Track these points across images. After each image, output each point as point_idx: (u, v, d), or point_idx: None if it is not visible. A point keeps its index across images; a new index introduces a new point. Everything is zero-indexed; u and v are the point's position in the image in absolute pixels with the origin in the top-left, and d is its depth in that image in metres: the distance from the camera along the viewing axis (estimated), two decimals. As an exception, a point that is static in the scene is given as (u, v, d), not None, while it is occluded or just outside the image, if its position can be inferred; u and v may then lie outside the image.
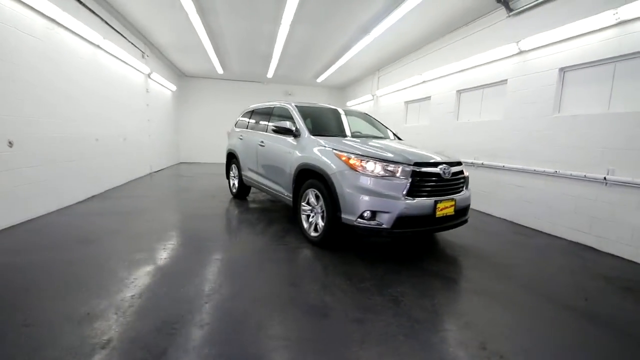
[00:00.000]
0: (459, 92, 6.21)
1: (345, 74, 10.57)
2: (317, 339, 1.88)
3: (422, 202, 2.95)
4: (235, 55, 8.77)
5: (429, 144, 6.66)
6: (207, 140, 12.58)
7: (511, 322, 2.20)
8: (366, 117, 4.90)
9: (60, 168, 4.45)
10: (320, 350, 1.78)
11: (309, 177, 3.54)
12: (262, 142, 4.63)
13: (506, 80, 5.06)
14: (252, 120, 5.41)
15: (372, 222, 2.91)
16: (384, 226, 2.89)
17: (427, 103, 7.31)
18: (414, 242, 3.71)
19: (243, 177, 5.38)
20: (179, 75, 11.65)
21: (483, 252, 3.53)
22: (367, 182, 2.92)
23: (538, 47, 4.47)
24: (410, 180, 2.91)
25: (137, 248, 3.15)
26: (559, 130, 4.21)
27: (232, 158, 5.93)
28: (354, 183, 2.94)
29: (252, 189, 5.97)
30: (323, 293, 2.43)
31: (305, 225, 3.58)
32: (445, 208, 3.09)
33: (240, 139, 5.49)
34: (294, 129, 3.90)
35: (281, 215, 4.69)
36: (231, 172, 6.00)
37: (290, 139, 3.99)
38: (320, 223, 3.33)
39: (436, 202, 3.02)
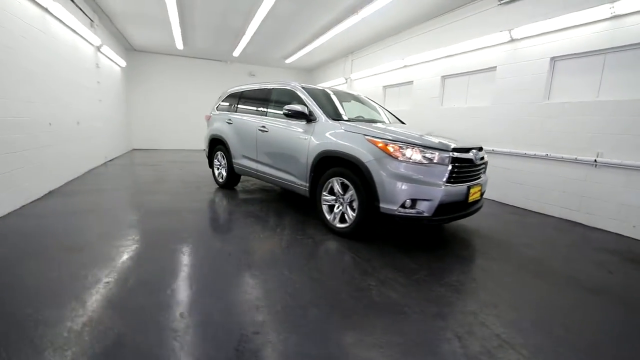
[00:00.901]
0: (444, 77, 6.34)
1: (316, 56, 10.21)
2: (413, 342, 1.75)
3: (459, 188, 2.95)
4: (202, 29, 7.89)
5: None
6: (165, 124, 11.42)
7: (574, 298, 2.30)
8: (364, 100, 4.72)
9: (18, 159, 3.60)
10: (427, 352, 1.66)
11: (332, 165, 3.32)
12: (263, 127, 4.23)
13: (495, 67, 5.26)
14: (243, 103, 4.93)
15: (413, 211, 2.82)
16: (425, 214, 2.82)
17: (408, 88, 7.38)
18: (424, 229, 3.73)
19: (234, 165, 4.92)
20: (127, 49, 10.23)
21: (493, 234, 3.68)
22: (408, 169, 2.80)
23: (530, 37, 4.68)
24: (450, 166, 2.87)
25: (157, 271, 2.68)
26: (549, 117, 4.51)
27: (216, 145, 5.39)
28: (394, 171, 2.81)
29: (243, 177, 5.52)
30: (384, 289, 2.29)
31: (329, 216, 3.38)
32: (475, 193, 3.13)
33: (229, 123, 4.99)
34: (307, 112, 3.61)
35: (285, 206, 4.40)
36: (215, 161, 5.46)
37: (302, 124, 3.70)
38: (350, 213, 3.15)
39: (469, 188, 3.04)
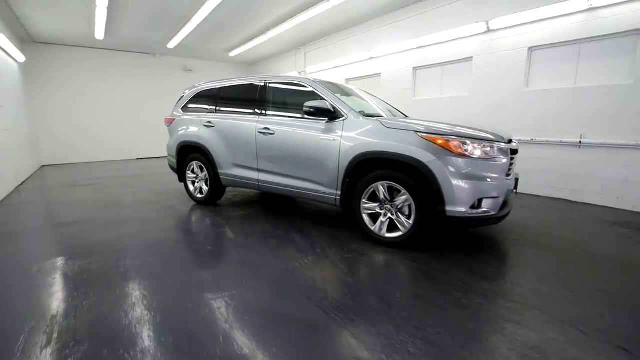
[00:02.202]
0: (416, 69, 6.38)
1: (263, 49, 9.46)
2: None
3: (512, 181, 2.86)
4: (134, 16, 6.54)
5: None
6: (86, 132, 9.45)
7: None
8: (357, 92, 4.34)
9: None
10: None
11: (374, 168, 2.92)
12: (265, 129, 3.57)
13: (472, 57, 5.43)
14: (227, 102, 4.15)
15: (480, 211, 2.62)
16: (491, 213, 2.65)
17: (375, 80, 7.27)
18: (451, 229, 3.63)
19: (221, 176, 4.12)
20: (25, 40, 8.02)
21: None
22: (474, 166, 2.57)
23: (507, 27, 4.90)
24: (509, 159, 2.73)
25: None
26: (530, 103, 4.81)
27: (189, 153, 4.47)
28: (460, 169, 2.55)
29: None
30: (488, 303, 2.02)
31: (372, 226, 2.98)
32: (516, 184, 3.09)
33: (209, 126, 4.14)
34: (332, 109, 3.13)
35: (300, 218, 3.84)
36: (189, 173, 4.53)
37: (321, 123, 3.20)
38: (404, 221, 2.81)
39: (517, 180, 2.98)
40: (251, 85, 3.93)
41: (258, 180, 3.76)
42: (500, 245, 3.03)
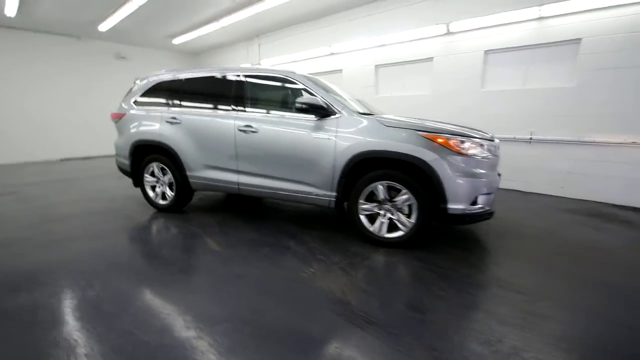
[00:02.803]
0: (378, 66, 6.46)
1: (212, 38, 8.76)
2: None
3: (499, 178, 3.01)
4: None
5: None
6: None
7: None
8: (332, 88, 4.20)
9: None
10: None
11: (371, 167, 2.84)
12: (247, 126, 3.24)
13: (432, 58, 5.67)
14: (194, 96, 3.68)
15: (477, 207, 2.70)
16: (486, 209, 2.75)
17: (336, 77, 7.20)
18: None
19: (191, 180, 3.66)
20: None
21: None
22: (472, 164, 2.63)
23: (465, 31, 5.20)
24: (498, 156, 2.87)
25: None
26: (486, 103, 5.19)
27: (147, 154, 3.89)
28: (460, 167, 2.59)
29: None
30: (505, 295, 2.09)
31: (370, 227, 2.90)
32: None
33: (173, 122, 3.63)
34: (325, 106, 2.95)
35: (283, 221, 3.59)
36: (147, 177, 3.94)
37: (311, 121, 3.01)
38: (405, 220, 2.77)
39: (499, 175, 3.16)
40: (225, 77, 3.54)
41: (238, 183, 3.41)
42: (485, 237, 3.19)
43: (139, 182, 4.04)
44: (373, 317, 1.88)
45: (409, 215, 2.78)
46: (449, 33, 5.37)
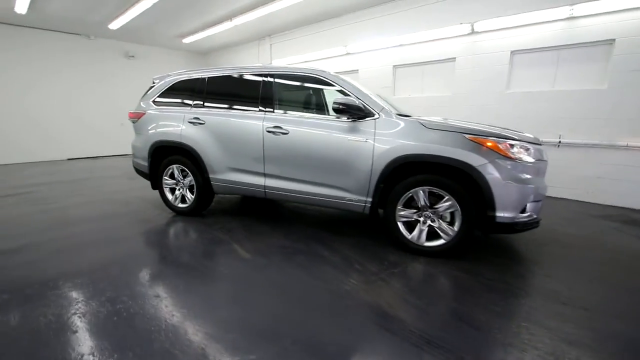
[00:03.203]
0: (396, 67, 6.32)
1: (221, 37, 8.62)
2: None
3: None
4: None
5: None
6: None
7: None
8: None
9: None
10: None
11: (411, 172, 2.69)
12: (276, 127, 3.09)
13: (455, 58, 5.53)
14: (218, 96, 3.54)
15: (525, 215, 2.55)
16: (534, 217, 2.60)
17: (352, 76, 6.97)
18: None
19: (213, 182, 3.51)
20: None
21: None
22: (523, 169, 2.48)
23: (491, 30, 5.06)
24: (546, 160, 2.72)
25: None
26: (512, 105, 5.04)
27: (166, 155, 3.75)
28: (511, 173, 2.44)
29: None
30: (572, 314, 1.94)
31: (409, 234, 2.75)
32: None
33: (196, 123, 3.49)
34: (362, 107, 2.81)
35: (311, 226, 3.43)
36: (167, 179, 3.79)
37: (345, 123, 2.87)
38: (447, 228, 2.62)
39: (542, 180, 3.02)
40: (252, 76, 3.39)
41: (264, 187, 3.26)
42: (526, 246, 3.04)
43: (157, 185, 3.89)
44: (430, 335, 1.73)
45: (451, 223, 2.63)
46: (473, 32, 5.22)
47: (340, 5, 6.31)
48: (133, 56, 9.38)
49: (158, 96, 3.88)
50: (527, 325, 1.84)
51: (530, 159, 2.53)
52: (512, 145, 2.49)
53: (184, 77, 3.77)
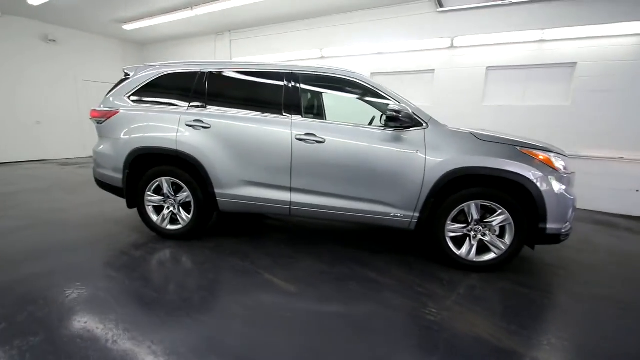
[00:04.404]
0: (374, 74, 6.31)
1: (171, 27, 7.61)
2: None
3: None
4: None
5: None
6: None
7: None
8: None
9: None
10: None
11: (463, 185, 2.57)
12: (309, 134, 2.68)
13: (434, 70, 5.73)
14: (227, 96, 2.99)
15: (568, 226, 2.61)
16: (569, 227, 2.71)
17: (326, 81, 6.84)
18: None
19: (221, 199, 2.91)
20: None
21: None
22: (566, 182, 2.55)
23: (468, 46, 5.36)
24: (574, 172, 2.86)
25: None
26: (486, 117, 5.41)
27: (154, 166, 3.01)
28: (559, 186, 2.49)
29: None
30: None
31: (457, 250, 2.63)
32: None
33: (198, 127, 2.86)
34: (414, 116, 2.61)
35: (338, 244, 3.06)
36: (150, 195, 3.04)
37: (387, 132, 2.65)
38: (499, 243, 2.57)
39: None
40: (272, 74, 2.91)
41: (290, 203, 2.81)
42: (546, 252, 3.18)
43: (135, 202, 3.10)
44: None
45: (500, 237, 2.59)
46: (452, 47, 5.47)
47: (318, 6, 6.06)
48: (54, 40, 7.66)
49: (136, 91, 3.11)
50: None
51: (568, 171, 2.63)
52: (557, 159, 2.55)
53: (175, 69, 3.08)
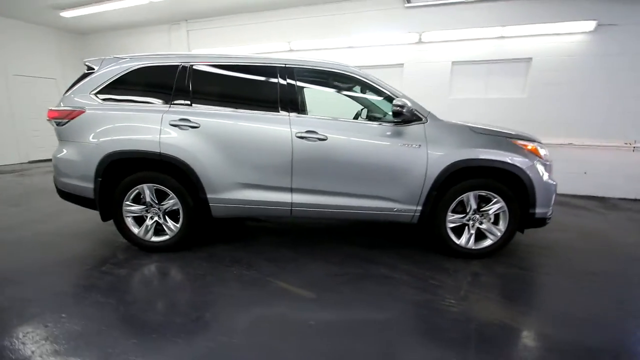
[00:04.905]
0: (344, 68, 6.28)
1: (118, 15, 6.86)
2: None
3: None
4: None
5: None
6: None
7: None
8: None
9: None
10: None
11: (463, 177, 2.66)
12: (310, 132, 2.57)
13: (403, 64, 5.88)
14: (215, 92, 2.77)
15: (551, 210, 2.84)
16: (552, 210, 2.94)
17: (295, 76, 6.67)
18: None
19: (214, 204, 2.69)
20: None
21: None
22: (549, 169, 2.77)
23: (435, 42, 5.57)
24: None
25: None
26: (454, 109, 5.69)
27: (133, 172, 2.68)
28: (545, 173, 2.69)
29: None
30: None
31: (457, 240, 2.73)
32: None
33: (184, 127, 2.59)
34: (415, 110, 2.63)
35: (340, 242, 3.00)
36: (129, 205, 2.71)
37: (387, 127, 2.67)
38: (495, 229, 2.71)
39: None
40: (265, 68, 2.73)
41: (291, 204, 2.69)
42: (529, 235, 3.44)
43: (111, 214, 2.74)
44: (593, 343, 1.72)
45: (495, 224, 2.73)
46: (420, 42, 5.65)
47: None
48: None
49: (104, 88, 2.73)
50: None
51: (550, 159, 2.85)
52: (541, 148, 2.75)
53: (151, 62, 2.75)
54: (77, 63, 8.14)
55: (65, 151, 2.73)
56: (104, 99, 2.71)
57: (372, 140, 2.62)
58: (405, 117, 2.58)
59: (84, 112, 2.66)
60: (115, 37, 8.22)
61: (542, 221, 2.75)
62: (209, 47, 7.17)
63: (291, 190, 2.68)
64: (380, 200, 2.69)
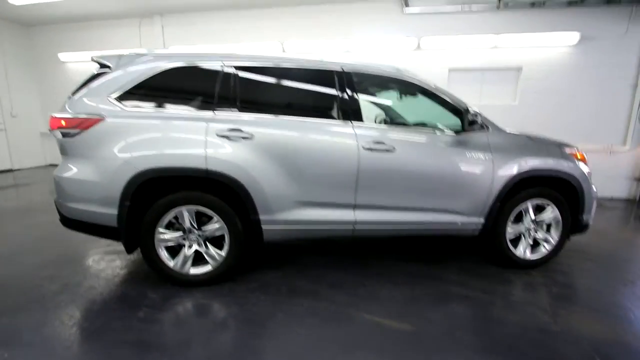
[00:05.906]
0: (340, 72, 6.13)
1: (80, 4, 5.97)
2: None
3: None
4: None
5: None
6: None
7: None
8: None
9: None
10: None
11: (523, 186, 2.64)
12: (378, 142, 2.36)
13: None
14: (265, 98, 2.44)
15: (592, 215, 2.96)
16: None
17: (287, 79, 6.35)
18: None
19: (267, 226, 2.34)
20: None
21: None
22: (591, 176, 2.87)
23: (433, 49, 5.66)
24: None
25: None
26: (450, 115, 5.85)
27: (167, 193, 2.23)
28: (591, 180, 2.79)
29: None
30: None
31: (516, 251, 2.71)
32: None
33: (236, 138, 2.22)
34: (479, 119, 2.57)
35: (388, 260, 2.81)
36: (162, 233, 2.25)
37: (447, 137, 2.58)
38: (550, 238, 2.74)
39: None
40: (322, 72, 2.46)
41: (354, 222, 2.44)
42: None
43: (139, 244, 2.26)
44: None
45: (548, 232, 2.77)
46: (419, 48, 5.70)
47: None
48: None
49: (127, 91, 2.24)
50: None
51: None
52: (585, 156, 2.85)
53: (188, 62, 2.31)
54: (20, 58, 6.94)
55: (75, 169, 2.19)
56: (128, 105, 2.22)
57: (442, 151, 2.49)
58: (476, 126, 2.50)
59: (102, 120, 2.16)
60: (68, 30, 7.14)
61: (587, 227, 2.84)
62: (188, 44, 6.56)
63: (354, 207, 2.44)
64: (446, 214, 2.56)
